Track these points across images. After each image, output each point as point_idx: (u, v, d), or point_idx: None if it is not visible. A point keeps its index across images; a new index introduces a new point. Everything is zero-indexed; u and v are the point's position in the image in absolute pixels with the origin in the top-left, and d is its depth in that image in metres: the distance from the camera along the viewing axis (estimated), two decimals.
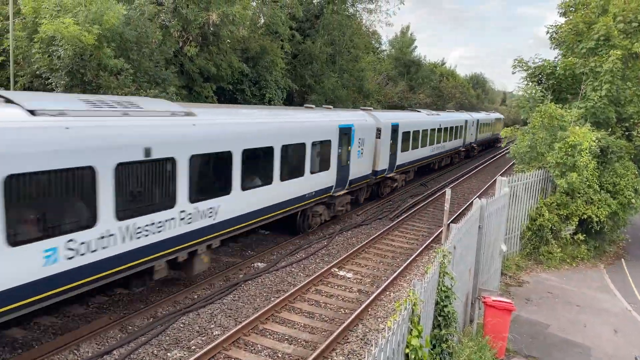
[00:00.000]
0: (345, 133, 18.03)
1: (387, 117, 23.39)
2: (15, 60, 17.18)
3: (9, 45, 16.77)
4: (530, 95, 19.29)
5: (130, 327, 10.02)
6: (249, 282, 12.83)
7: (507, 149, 48.14)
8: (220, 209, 11.72)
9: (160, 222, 9.96)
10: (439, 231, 18.27)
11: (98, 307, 10.71)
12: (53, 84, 16.45)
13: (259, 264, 14.21)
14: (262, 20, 28.37)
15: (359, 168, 19.65)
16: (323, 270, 13.71)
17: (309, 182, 15.94)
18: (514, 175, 16.23)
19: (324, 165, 16.76)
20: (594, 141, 16.31)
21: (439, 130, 31.71)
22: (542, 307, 13.29)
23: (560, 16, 21.52)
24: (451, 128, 35.32)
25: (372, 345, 9.86)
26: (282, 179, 14.35)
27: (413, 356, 5.85)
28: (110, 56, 16.51)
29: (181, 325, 10.30)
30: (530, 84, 20.12)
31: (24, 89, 17.46)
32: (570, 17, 20.18)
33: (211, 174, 11.51)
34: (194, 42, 21.34)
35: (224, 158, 11.78)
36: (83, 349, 9.07)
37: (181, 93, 20.89)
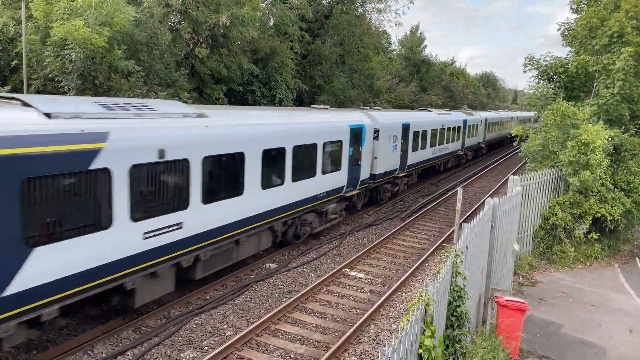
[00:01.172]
0: None
1: None
2: (29, 63, 17.37)
3: (22, 49, 16.96)
4: (541, 94, 19.14)
5: (143, 328, 10.08)
6: (261, 282, 12.86)
7: None
8: None
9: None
10: (450, 231, 18.19)
11: (112, 308, 10.78)
12: (65, 87, 16.61)
13: (270, 264, 14.24)
14: (272, 22, 28.45)
15: None
16: (334, 270, 13.70)
17: None
18: (526, 174, 16.11)
19: None
20: (607, 139, 16.14)
21: None
22: (556, 306, 13.17)
23: (572, 12, 21.37)
24: None
25: (384, 346, 9.84)
26: None
27: (426, 356, 5.82)
28: (121, 58, 16.65)
29: (194, 326, 10.35)
30: (542, 82, 19.96)
31: (37, 93, 17.64)
32: (583, 13, 19.99)
33: None
34: (204, 43, 21.46)
35: None
36: (97, 349, 9.15)
37: (192, 95, 21.00)
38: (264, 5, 27.63)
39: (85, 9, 16.60)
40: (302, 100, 31.53)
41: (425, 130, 26.45)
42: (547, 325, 11.98)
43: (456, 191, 15.10)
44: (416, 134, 24.90)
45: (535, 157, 18.36)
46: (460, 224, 11.38)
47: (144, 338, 9.59)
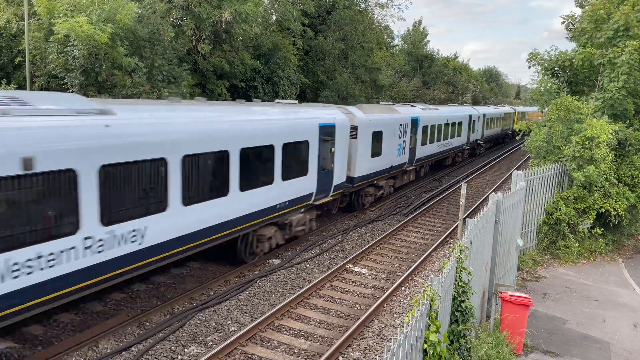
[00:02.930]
0: None
1: None
2: (32, 60, 17.37)
3: (25, 46, 16.97)
4: (545, 89, 19.06)
5: (147, 324, 10.10)
6: (264, 278, 12.87)
7: None
8: None
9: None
10: (453, 226, 18.16)
11: (116, 304, 10.82)
12: (68, 83, 16.62)
13: (273, 260, 14.25)
14: (274, 17, 28.42)
15: None
16: (338, 266, 13.70)
17: None
18: (530, 169, 16.06)
19: None
20: (612, 133, 16.07)
21: None
22: (560, 302, 13.15)
23: (577, 6, 21.22)
24: None
25: (388, 341, 9.85)
26: None
27: (431, 351, 5.82)
28: (124, 54, 16.64)
29: (198, 322, 10.37)
30: (545, 77, 19.86)
31: (41, 90, 17.69)
32: (589, 7, 19.85)
33: None
34: (207, 40, 21.45)
35: None
36: (102, 345, 9.18)
37: (195, 91, 21.00)
38: (266, 0, 27.58)
39: (88, 5, 16.59)
40: (305, 96, 31.50)
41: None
42: (551, 320, 11.96)
43: (459, 186, 15.07)
44: None
45: (539, 152, 18.29)
46: (465, 219, 11.37)
47: (148, 334, 9.61)
